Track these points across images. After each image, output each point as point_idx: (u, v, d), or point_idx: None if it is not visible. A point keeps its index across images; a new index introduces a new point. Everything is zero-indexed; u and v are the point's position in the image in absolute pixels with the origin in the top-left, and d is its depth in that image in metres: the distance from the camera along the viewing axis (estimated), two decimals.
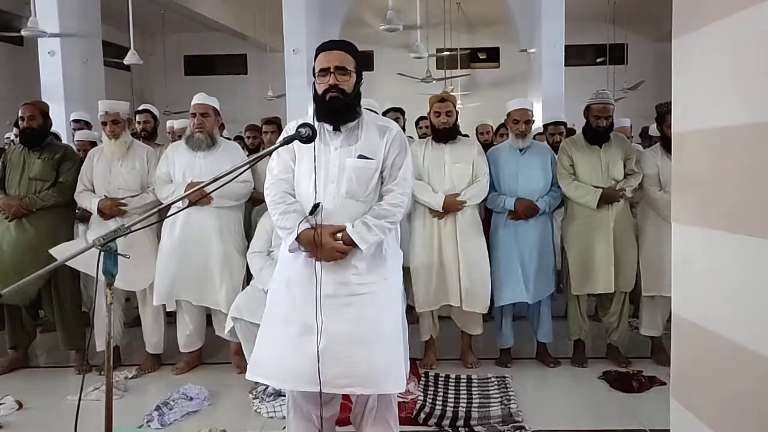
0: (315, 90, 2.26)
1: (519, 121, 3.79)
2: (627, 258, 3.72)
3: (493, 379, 3.60)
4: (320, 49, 2.27)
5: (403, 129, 5.05)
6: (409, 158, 2.33)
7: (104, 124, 3.87)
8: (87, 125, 5.60)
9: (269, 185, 2.33)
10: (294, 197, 2.30)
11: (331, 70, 2.20)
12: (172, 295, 3.74)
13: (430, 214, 3.73)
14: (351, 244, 2.19)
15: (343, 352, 2.18)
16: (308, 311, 2.17)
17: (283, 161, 2.31)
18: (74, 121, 5.78)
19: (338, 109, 2.21)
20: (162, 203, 3.55)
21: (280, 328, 2.25)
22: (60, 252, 3.58)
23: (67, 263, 3.48)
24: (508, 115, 3.85)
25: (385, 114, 4.87)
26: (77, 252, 1.73)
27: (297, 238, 2.19)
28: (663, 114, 3.71)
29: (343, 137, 2.26)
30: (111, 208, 3.75)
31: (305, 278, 2.22)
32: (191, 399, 3.30)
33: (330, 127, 2.26)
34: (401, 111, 5.15)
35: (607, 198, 3.67)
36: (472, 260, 3.69)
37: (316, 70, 2.24)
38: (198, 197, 3.30)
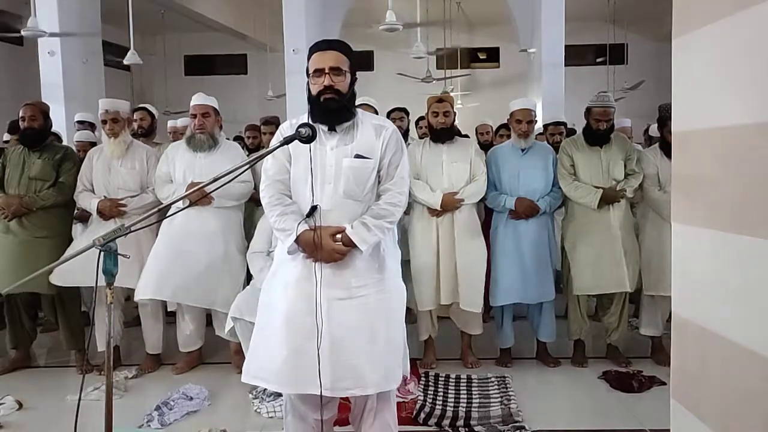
0: (309, 91, 2.25)
1: (522, 121, 3.79)
2: (629, 258, 3.71)
3: (493, 379, 3.60)
4: (314, 49, 2.25)
5: (407, 129, 5.05)
6: (405, 157, 2.33)
7: (104, 122, 3.88)
8: (91, 126, 5.58)
9: (265, 187, 2.31)
10: (290, 198, 2.30)
11: (326, 71, 2.19)
12: (165, 294, 3.70)
13: (429, 212, 3.73)
14: (350, 245, 2.18)
15: (343, 354, 2.18)
16: (307, 313, 2.17)
17: (278, 162, 2.29)
18: (78, 122, 5.76)
19: (334, 110, 2.20)
20: (162, 203, 3.54)
21: (279, 330, 2.23)
22: (60, 274, 3.60)
23: (64, 278, 3.57)
24: (511, 114, 3.86)
25: (389, 114, 4.88)
26: (77, 252, 1.73)
27: (296, 240, 2.19)
28: (665, 119, 3.71)
29: (338, 137, 2.25)
30: (110, 209, 3.75)
31: (304, 280, 2.21)
32: (191, 399, 3.30)
33: (325, 128, 2.25)
34: (405, 111, 5.15)
35: (608, 198, 3.67)
36: (468, 260, 3.69)
37: (310, 71, 2.23)
38: (198, 197, 3.29)
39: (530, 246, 3.76)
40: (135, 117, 5.00)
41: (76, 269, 3.25)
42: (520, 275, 3.74)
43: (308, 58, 2.26)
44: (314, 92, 2.21)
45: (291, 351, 2.19)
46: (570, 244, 3.83)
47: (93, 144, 4.82)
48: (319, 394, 2.15)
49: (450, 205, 3.67)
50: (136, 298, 3.74)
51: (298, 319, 2.20)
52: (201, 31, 15.31)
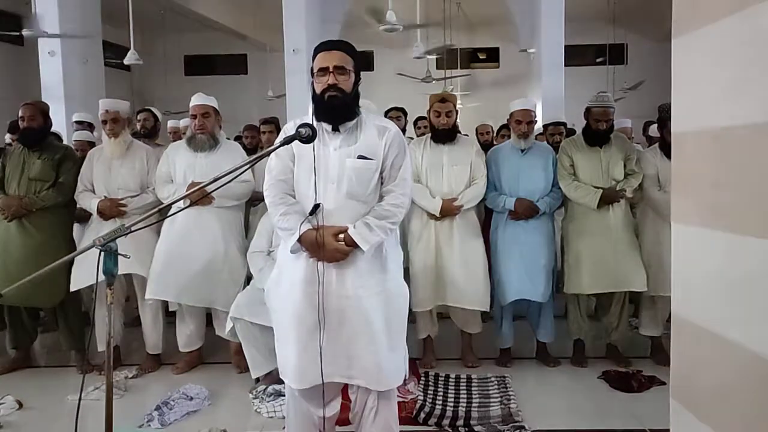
0: (314, 90, 2.26)
1: (522, 121, 3.78)
2: (632, 258, 3.71)
3: (492, 379, 3.60)
4: (319, 49, 2.27)
5: (404, 129, 5.06)
6: (408, 158, 2.35)
7: (104, 122, 3.87)
8: (90, 126, 5.59)
9: (268, 186, 2.33)
10: (294, 198, 2.31)
11: (330, 70, 2.20)
12: (169, 294, 3.72)
13: (428, 215, 3.73)
14: (353, 244, 2.19)
15: (346, 350, 2.22)
16: (312, 312, 2.20)
17: (282, 162, 2.31)
18: (77, 122, 5.76)
19: (337, 108, 2.22)
20: (162, 203, 3.54)
21: (288, 330, 2.29)
22: (77, 277, 3.69)
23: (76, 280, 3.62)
24: (511, 115, 3.85)
25: (386, 113, 4.88)
26: (77, 252, 1.73)
27: (299, 239, 2.20)
28: (664, 119, 3.70)
29: (342, 137, 2.26)
30: (111, 209, 3.74)
31: (307, 279, 2.23)
32: (191, 399, 3.30)
33: (329, 128, 2.26)
34: (403, 111, 5.15)
35: (608, 198, 3.67)
36: (470, 260, 3.69)
37: (315, 70, 2.25)
38: (199, 197, 3.29)
39: (531, 246, 3.75)
40: (139, 118, 5.01)
41: (91, 268, 3.30)
42: (524, 272, 3.72)
43: (313, 58, 2.28)
44: (318, 91, 2.23)
45: (299, 349, 2.24)
46: (570, 245, 3.83)
47: (92, 144, 4.82)
48: (322, 384, 2.18)
49: (449, 212, 3.67)
50: (147, 296, 3.73)
51: (303, 318, 2.23)
52: (201, 31, 15.32)
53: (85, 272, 3.61)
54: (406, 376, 2.41)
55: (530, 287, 3.72)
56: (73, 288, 3.71)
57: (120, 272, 3.52)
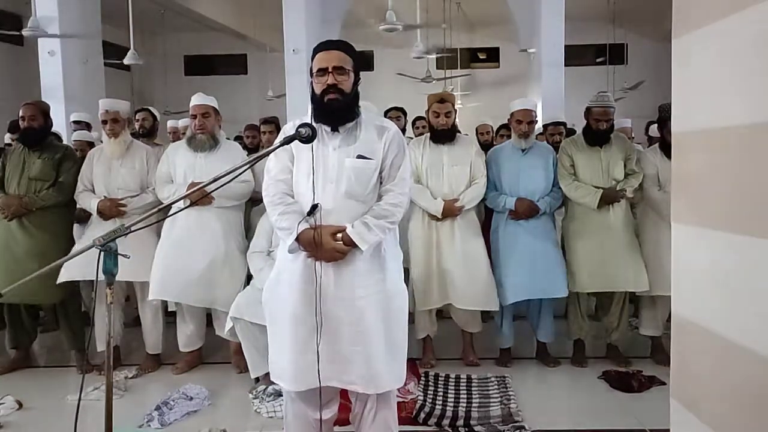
0: (313, 90, 2.26)
1: (522, 121, 3.78)
2: (632, 257, 3.71)
3: (492, 379, 3.59)
4: (318, 49, 2.26)
5: (404, 129, 5.06)
6: (407, 158, 2.34)
7: (104, 122, 3.87)
8: (87, 126, 5.60)
9: (267, 186, 2.33)
10: (292, 198, 2.31)
11: (330, 70, 2.20)
12: (170, 295, 3.72)
13: (429, 216, 3.73)
14: (351, 244, 2.19)
15: (344, 351, 2.21)
16: (310, 312, 2.19)
17: (281, 162, 2.31)
18: (75, 122, 5.77)
19: (337, 109, 2.21)
20: (162, 203, 3.54)
21: (286, 330, 2.27)
22: (66, 269, 3.63)
23: (65, 272, 3.59)
24: (512, 115, 3.85)
25: (386, 113, 4.88)
26: (77, 252, 1.73)
27: (297, 239, 2.20)
28: (665, 119, 3.70)
29: (341, 137, 2.26)
30: (111, 209, 3.74)
31: (305, 279, 2.22)
32: (191, 399, 3.30)
33: (328, 128, 2.25)
34: (403, 111, 5.15)
35: (608, 198, 3.67)
36: (472, 261, 3.69)
37: (314, 70, 2.24)
38: (199, 197, 3.29)
39: (533, 243, 3.73)
40: (137, 117, 5.01)
41: (81, 264, 3.30)
42: (527, 271, 3.70)
43: (312, 58, 2.27)
44: (318, 91, 2.22)
45: (297, 350, 2.23)
46: (569, 244, 3.83)
47: (91, 144, 4.82)
48: (319, 387, 2.17)
49: (451, 213, 3.67)
50: (150, 297, 3.73)
51: (302, 318, 2.22)
52: (201, 31, 15.33)
53: (74, 267, 3.55)
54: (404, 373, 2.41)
55: (531, 287, 3.71)
56: (59, 280, 3.65)
57: (124, 279, 3.57)
